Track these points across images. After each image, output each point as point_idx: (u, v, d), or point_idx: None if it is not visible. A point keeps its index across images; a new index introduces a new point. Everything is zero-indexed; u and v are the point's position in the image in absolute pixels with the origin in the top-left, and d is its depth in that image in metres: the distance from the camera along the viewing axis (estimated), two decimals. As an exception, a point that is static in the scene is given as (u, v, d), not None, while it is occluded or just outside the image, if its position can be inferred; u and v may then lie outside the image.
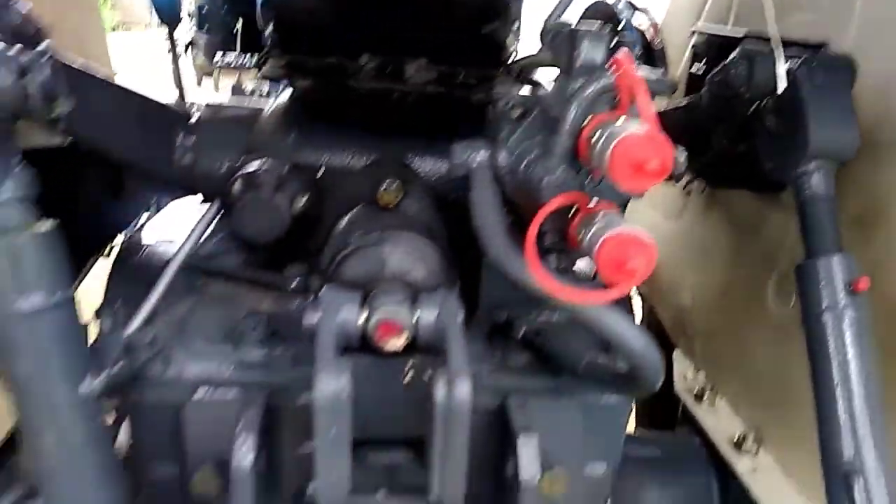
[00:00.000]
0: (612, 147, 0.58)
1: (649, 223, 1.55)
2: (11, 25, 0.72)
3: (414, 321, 0.69)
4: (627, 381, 0.74)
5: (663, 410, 1.54)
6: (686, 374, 1.45)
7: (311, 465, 0.65)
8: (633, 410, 1.57)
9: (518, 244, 0.65)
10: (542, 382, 0.82)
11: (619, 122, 0.62)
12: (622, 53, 0.65)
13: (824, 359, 0.76)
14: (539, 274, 0.63)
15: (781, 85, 0.85)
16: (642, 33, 1.36)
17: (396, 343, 0.68)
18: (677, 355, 1.51)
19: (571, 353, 0.82)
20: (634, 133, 0.58)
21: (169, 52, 1.40)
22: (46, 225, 0.68)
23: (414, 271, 0.76)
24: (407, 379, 0.72)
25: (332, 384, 0.62)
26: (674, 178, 0.70)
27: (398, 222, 0.83)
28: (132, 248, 0.95)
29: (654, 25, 1.35)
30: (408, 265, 0.76)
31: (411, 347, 0.70)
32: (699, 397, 1.36)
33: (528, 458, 0.73)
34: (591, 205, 0.67)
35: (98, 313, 0.81)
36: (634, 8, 1.36)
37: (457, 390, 0.64)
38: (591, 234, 0.63)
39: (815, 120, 0.80)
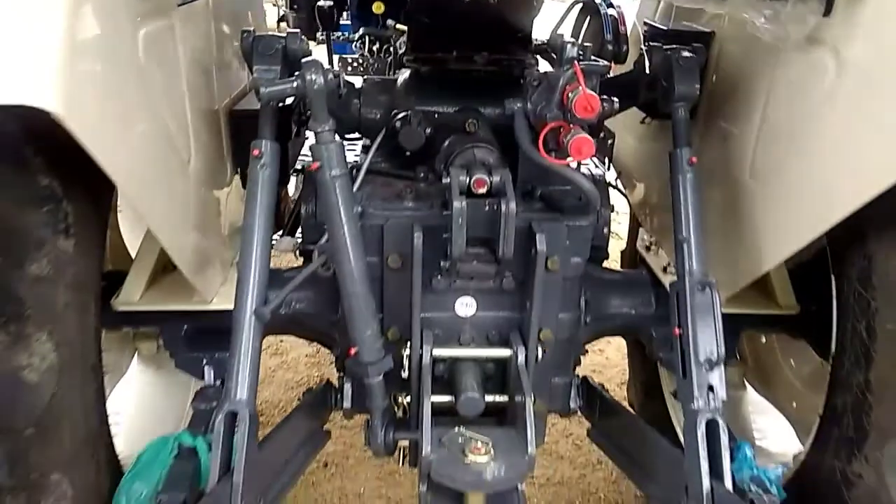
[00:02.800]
0: (574, 100, 1.42)
1: (630, 144, 2.38)
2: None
3: (489, 180, 1.54)
4: (586, 210, 1.60)
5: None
6: (644, 238, 2.31)
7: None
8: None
9: (536, 146, 1.50)
10: (548, 215, 1.68)
11: (577, 89, 1.45)
12: (575, 61, 1.48)
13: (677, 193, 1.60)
14: (544, 156, 1.48)
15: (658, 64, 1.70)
16: (616, 20, 2.16)
17: (482, 189, 1.53)
18: (641, 231, 2.37)
19: (563, 201, 1.67)
20: (582, 92, 1.41)
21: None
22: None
23: (487, 159, 1.61)
24: (486, 207, 1.57)
25: (459, 203, 1.48)
26: (606, 114, 1.54)
27: (477, 139, 1.68)
28: None
29: (621, 16, 2.15)
30: (484, 156, 1.62)
31: (489, 193, 1.55)
32: (648, 249, 2.22)
33: (541, 245, 1.59)
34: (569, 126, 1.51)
35: None
36: (610, 4, 2.16)
37: (509, 206, 1.49)
38: (567, 137, 1.47)
39: (678, 81, 1.64)
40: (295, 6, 3.14)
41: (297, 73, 1.40)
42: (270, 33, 1.60)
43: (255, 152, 1.47)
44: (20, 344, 1.17)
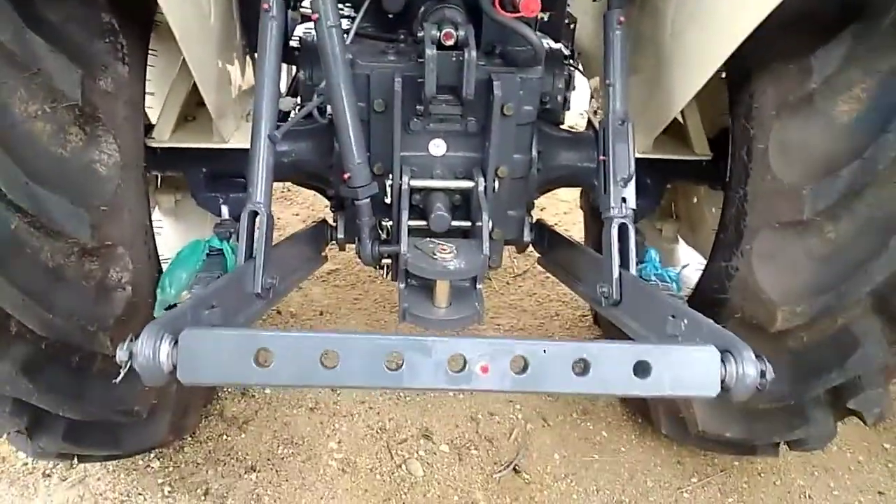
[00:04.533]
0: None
1: (588, 25, 2.70)
2: None
3: (456, 34, 1.90)
4: (535, 63, 1.98)
5: None
6: (594, 105, 2.69)
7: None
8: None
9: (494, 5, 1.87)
10: (505, 68, 2.04)
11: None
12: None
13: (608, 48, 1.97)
14: (499, 13, 1.84)
15: None
16: None
17: (450, 42, 1.89)
18: (592, 101, 2.75)
19: (518, 58, 2.03)
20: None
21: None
22: None
23: (455, 18, 1.96)
24: (454, 57, 1.93)
25: (431, 52, 1.84)
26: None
27: (447, 3, 2.03)
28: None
29: None
30: (452, 15, 1.96)
31: (456, 45, 1.91)
32: (595, 114, 2.61)
33: (497, 91, 1.96)
34: None
35: None
36: None
37: (471, 54, 1.85)
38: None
39: None
40: None
41: None
42: None
43: (265, 6, 1.82)
44: (94, 142, 1.55)
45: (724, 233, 2.01)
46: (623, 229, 1.88)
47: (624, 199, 1.90)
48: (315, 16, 1.78)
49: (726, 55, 1.71)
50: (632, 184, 1.90)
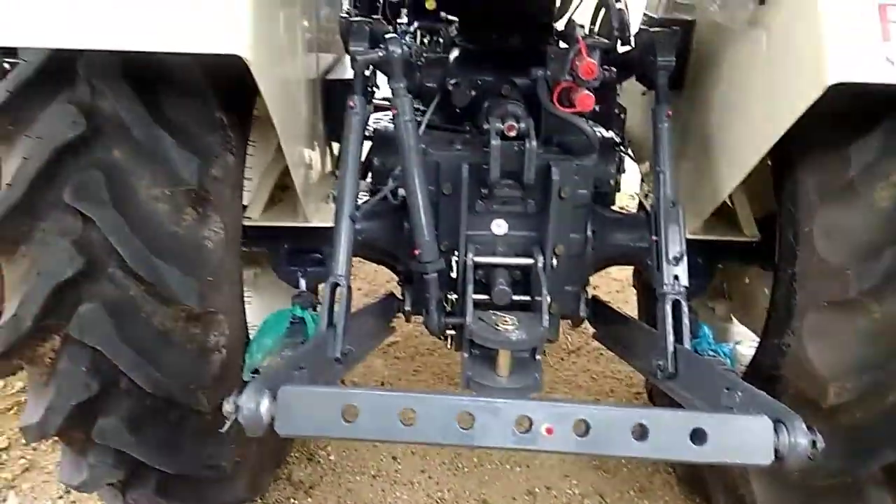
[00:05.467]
0: (579, 66, 1.98)
1: (637, 116, 2.91)
2: None
3: (518, 126, 2.10)
4: (589, 152, 2.16)
5: None
6: (644, 188, 2.84)
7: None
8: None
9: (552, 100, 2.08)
10: (562, 156, 2.22)
11: (582, 58, 2.01)
12: (581, 38, 2.03)
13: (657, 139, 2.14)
14: (557, 107, 2.05)
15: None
16: (621, 11, 2.71)
17: (513, 133, 2.10)
18: (643, 184, 2.92)
19: (573, 147, 2.22)
20: (585, 60, 1.98)
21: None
22: None
23: (517, 112, 2.17)
24: (515, 147, 2.13)
25: (496, 142, 2.04)
26: (606, 81, 2.10)
27: (510, 99, 2.25)
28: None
29: (627, 7, 2.69)
30: (514, 110, 2.17)
31: (518, 136, 2.11)
32: (646, 197, 2.76)
33: (555, 176, 2.14)
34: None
35: None
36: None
37: (532, 144, 2.05)
38: (575, 94, 2.03)
39: (658, 54, 2.17)
40: (357, 4, 3.75)
41: (381, 45, 1.99)
42: (360, 18, 2.19)
43: (351, 104, 2.06)
44: (204, 221, 1.77)
45: (775, 311, 2.10)
46: (677, 305, 1.99)
47: (677, 277, 2.02)
48: (394, 111, 2.02)
49: (769, 146, 1.86)
50: (684, 262, 2.03)
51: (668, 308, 1.99)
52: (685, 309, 2.00)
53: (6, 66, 1.76)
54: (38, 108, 1.66)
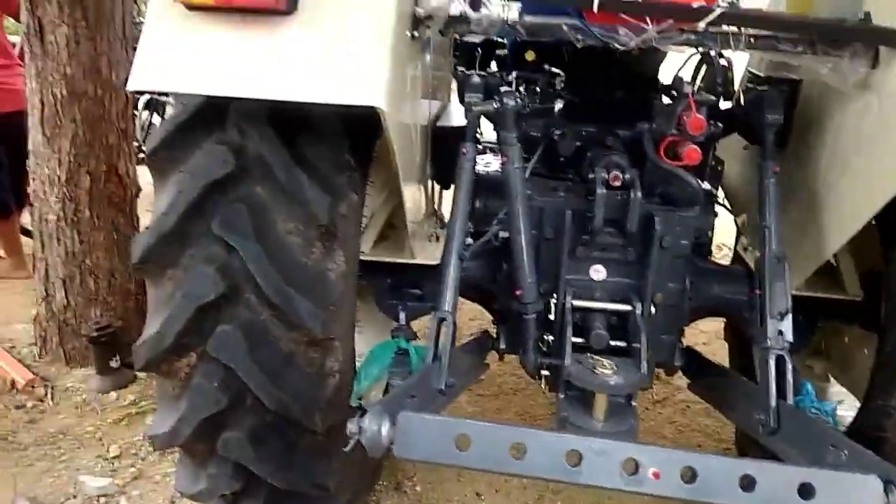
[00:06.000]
0: (687, 121, 2.05)
1: (736, 169, 2.93)
2: None
3: (623, 177, 2.18)
4: (692, 204, 2.21)
5: None
6: (742, 241, 2.85)
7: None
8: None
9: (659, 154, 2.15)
10: (665, 206, 2.28)
11: (690, 113, 2.08)
12: (690, 95, 2.11)
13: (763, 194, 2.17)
14: (664, 161, 2.12)
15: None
16: (725, 67, 2.76)
17: (617, 183, 2.18)
18: (741, 237, 2.92)
19: (676, 198, 2.28)
20: (693, 116, 2.05)
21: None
22: None
23: (622, 163, 2.25)
24: (619, 196, 2.20)
25: (601, 191, 2.13)
26: (712, 135, 2.16)
27: (614, 151, 2.33)
28: None
29: (730, 64, 2.74)
30: (619, 160, 2.25)
31: (622, 186, 2.19)
32: (745, 250, 2.76)
33: (658, 226, 2.20)
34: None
35: None
36: (720, 55, 2.77)
37: (636, 194, 2.13)
38: (681, 148, 2.10)
39: (766, 112, 2.22)
40: (457, 55, 3.93)
41: (495, 97, 2.12)
42: (475, 72, 2.33)
43: (463, 150, 2.18)
44: (330, 255, 1.91)
45: (880, 372, 2.08)
46: (781, 361, 2.00)
47: (781, 333, 2.03)
48: (504, 160, 2.13)
49: (879, 207, 1.87)
50: (788, 318, 2.04)
51: (772, 363, 2.00)
52: (789, 365, 2.00)
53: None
54: (192, 146, 1.85)
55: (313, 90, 1.65)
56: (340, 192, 1.92)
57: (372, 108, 1.66)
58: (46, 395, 3.57)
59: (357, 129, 1.93)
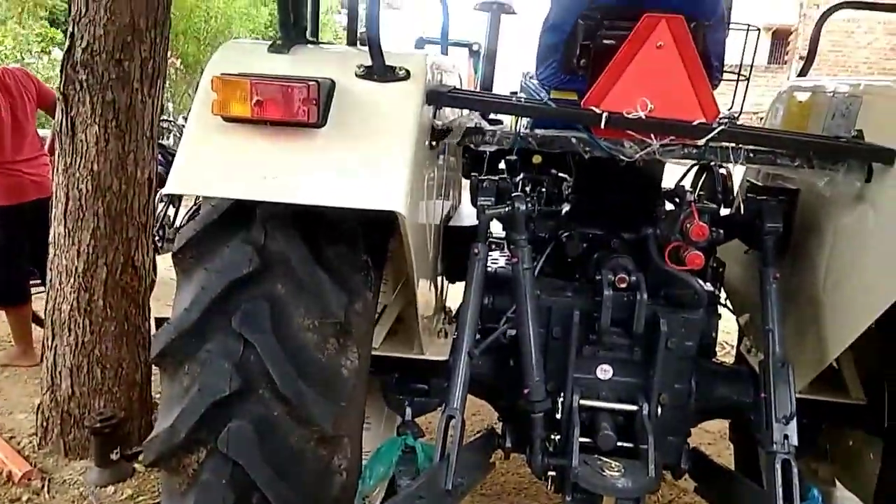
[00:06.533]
0: (690, 228, 2.15)
1: (737, 271, 3.01)
2: None
3: (629, 279, 2.25)
4: (696, 306, 2.28)
5: None
6: (746, 342, 2.89)
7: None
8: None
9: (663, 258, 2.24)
10: (670, 308, 2.34)
11: (693, 221, 2.18)
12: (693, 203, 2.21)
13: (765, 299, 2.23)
14: (669, 265, 2.20)
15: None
16: (724, 177, 2.88)
17: (623, 285, 2.25)
18: (744, 338, 2.97)
19: (681, 300, 2.35)
20: (696, 223, 2.14)
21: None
22: None
23: (627, 265, 2.33)
24: (625, 297, 2.27)
25: (608, 292, 2.21)
26: (714, 241, 2.25)
27: (620, 253, 2.42)
28: None
29: (730, 174, 2.87)
30: (625, 262, 2.33)
31: (628, 287, 2.26)
32: (748, 351, 2.80)
33: (664, 328, 2.25)
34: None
35: None
36: (721, 166, 2.90)
37: (642, 296, 2.20)
38: (685, 253, 2.18)
39: (766, 221, 2.31)
40: (467, 154, 4.10)
41: (508, 202, 2.23)
42: (488, 177, 2.45)
43: (475, 251, 2.27)
44: (343, 351, 1.96)
45: (887, 476, 2.08)
46: (787, 465, 2.01)
47: (786, 437, 2.05)
48: (514, 260, 2.22)
49: (878, 313, 1.93)
50: (793, 422, 2.06)
51: (778, 468, 2.00)
52: (795, 469, 2.01)
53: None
54: (218, 246, 1.93)
55: (339, 195, 1.76)
56: (357, 290, 1.99)
57: (391, 211, 1.76)
58: (43, 487, 3.51)
59: (374, 230, 2.02)
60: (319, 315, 1.91)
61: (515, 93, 3.26)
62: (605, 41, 2.23)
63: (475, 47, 4.41)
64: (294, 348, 1.88)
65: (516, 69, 3.56)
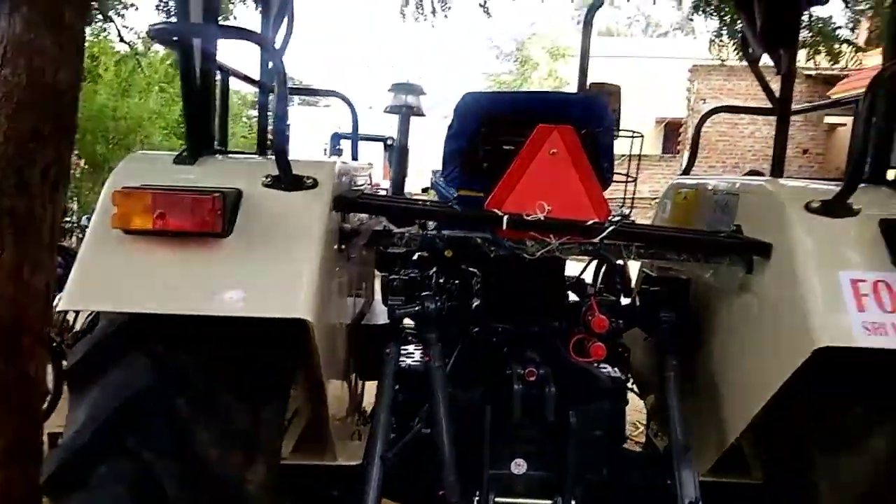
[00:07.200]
0: (591, 320, 2.24)
1: (640, 357, 3.12)
2: None
3: (538, 372, 2.31)
4: (604, 396, 2.34)
5: None
6: (653, 426, 2.97)
7: None
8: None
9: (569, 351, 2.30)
10: (579, 400, 2.40)
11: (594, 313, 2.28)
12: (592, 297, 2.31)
13: (664, 386, 2.33)
14: (573, 357, 2.27)
15: None
16: (623, 269, 3.03)
17: (533, 378, 2.29)
18: (652, 422, 3.05)
19: (589, 392, 2.41)
20: (596, 315, 2.24)
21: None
22: None
23: (536, 358, 2.38)
24: (535, 390, 2.31)
25: (517, 386, 2.24)
26: (614, 331, 2.35)
27: (529, 348, 2.48)
28: None
29: (627, 267, 3.01)
30: (533, 356, 2.39)
31: (537, 381, 2.30)
32: (656, 435, 2.88)
33: (573, 419, 2.30)
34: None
35: None
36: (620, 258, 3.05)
37: (551, 389, 2.25)
38: (588, 344, 2.26)
39: (661, 310, 2.44)
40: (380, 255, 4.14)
41: (418, 301, 2.26)
42: (399, 276, 2.48)
43: (387, 351, 2.28)
44: (249, 465, 1.89)
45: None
46: None
47: None
48: (428, 359, 2.24)
49: (772, 393, 2.04)
50: (699, 505, 2.12)
51: None
52: None
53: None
54: (113, 360, 1.86)
55: (244, 304, 1.75)
56: (262, 399, 1.95)
57: (299, 318, 1.76)
58: None
59: (280, 335, 2.00)
60: (222, 429, 1.85)
61: (427, 189, 3.37)
62: (505, 146, 2.36)
63: (389, 141, 4.55)
64: (194, 466, 1.80)
65: (433, 157, 3.71)
